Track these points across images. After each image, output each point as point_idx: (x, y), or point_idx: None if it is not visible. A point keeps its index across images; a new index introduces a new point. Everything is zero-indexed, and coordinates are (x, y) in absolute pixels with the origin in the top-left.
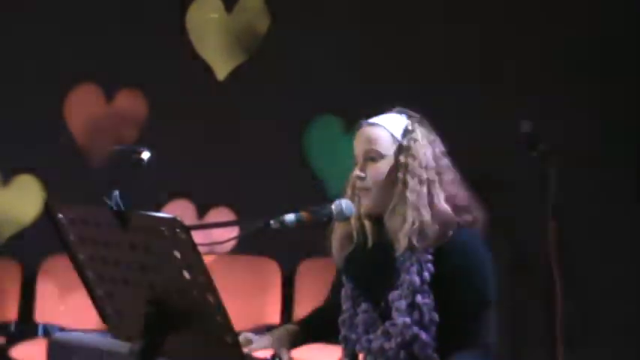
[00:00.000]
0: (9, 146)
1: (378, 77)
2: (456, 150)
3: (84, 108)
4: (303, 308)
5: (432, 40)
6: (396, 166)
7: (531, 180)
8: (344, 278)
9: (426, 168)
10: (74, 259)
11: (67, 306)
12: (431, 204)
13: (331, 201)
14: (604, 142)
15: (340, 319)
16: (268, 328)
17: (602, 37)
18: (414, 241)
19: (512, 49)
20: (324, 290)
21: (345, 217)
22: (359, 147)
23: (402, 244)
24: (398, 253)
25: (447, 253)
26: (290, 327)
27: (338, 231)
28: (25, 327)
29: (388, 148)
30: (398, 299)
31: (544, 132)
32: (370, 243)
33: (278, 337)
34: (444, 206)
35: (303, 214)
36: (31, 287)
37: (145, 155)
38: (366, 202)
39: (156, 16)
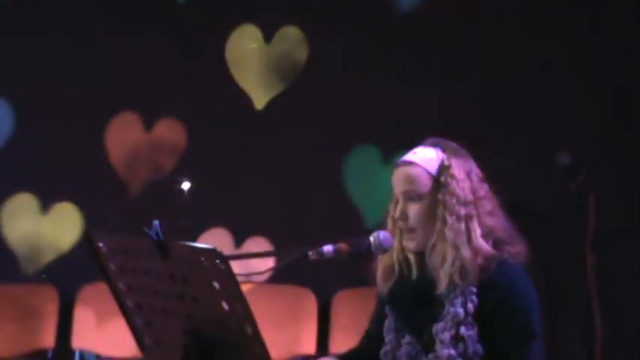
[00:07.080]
0: (49, 173)
1: (416, 107)
2: (492, 180)
3: (123, 136)
4: (339, 339)
5: (468, 70)
6: (435, 203)
7: (570, 211)
8: (387, 310)
9: (465, 204)
10: (113, 288)
11: (104, 333)
12: (469, 240)
13: (369, 232)
14: None
15: (382, 350)
16: (304, 359)
17: None
18: (456, 280)
19: (552, 78)
20: (360, 320)
21: (383, 250)
22: (397, 187)
23: (443, 282)
24: (439, 292)
25: (491, 285)
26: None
27: (382, 262)
28: (62, 354)
29: (426, 186)
30: (442, 331)
31: (583, 163)
32: (415, 275)
33: None
34: (482, 243)
35: (342, 246)
36: (69, 314)
37: (186, 186)
38: (413, 243)
39: (195, 46)
